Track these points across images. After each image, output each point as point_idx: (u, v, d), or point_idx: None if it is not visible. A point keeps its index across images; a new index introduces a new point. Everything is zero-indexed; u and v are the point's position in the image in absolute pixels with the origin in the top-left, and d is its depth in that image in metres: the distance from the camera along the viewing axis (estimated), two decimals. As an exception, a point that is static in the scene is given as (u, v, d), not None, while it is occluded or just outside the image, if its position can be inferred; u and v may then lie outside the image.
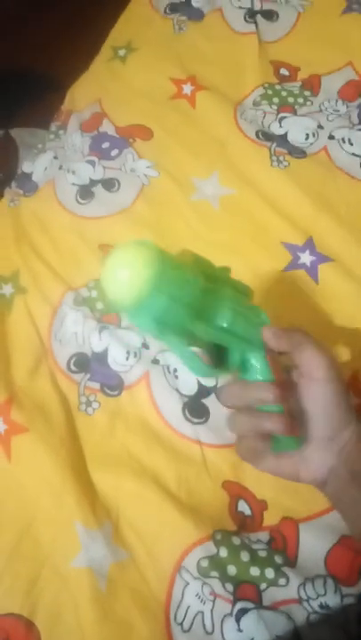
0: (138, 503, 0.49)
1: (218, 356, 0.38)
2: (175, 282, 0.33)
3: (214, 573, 0.45)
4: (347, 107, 0.70)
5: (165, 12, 0.81)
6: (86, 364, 0.57)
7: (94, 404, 0.55)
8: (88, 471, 0.52)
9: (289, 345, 0.38)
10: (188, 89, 0.73)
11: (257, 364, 0.38)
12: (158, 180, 0.67)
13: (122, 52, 0.80)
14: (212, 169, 0.67)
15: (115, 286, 0.32)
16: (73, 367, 0.57)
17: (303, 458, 0.39)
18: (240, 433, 0.39)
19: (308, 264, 0.59)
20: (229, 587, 0.45)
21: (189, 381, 0.54)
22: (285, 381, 0.39)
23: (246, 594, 0.45)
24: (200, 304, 0.34)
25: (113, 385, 0.56)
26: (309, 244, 0.60)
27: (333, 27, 0.75)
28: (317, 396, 0.38)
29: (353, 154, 0.65)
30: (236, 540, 0.47)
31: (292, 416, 0.38)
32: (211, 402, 0.53)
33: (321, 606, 0.44)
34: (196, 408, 0.53)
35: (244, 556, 0.46)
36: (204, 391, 0.54)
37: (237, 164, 0.67)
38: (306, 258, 0.59)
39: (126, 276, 0.31)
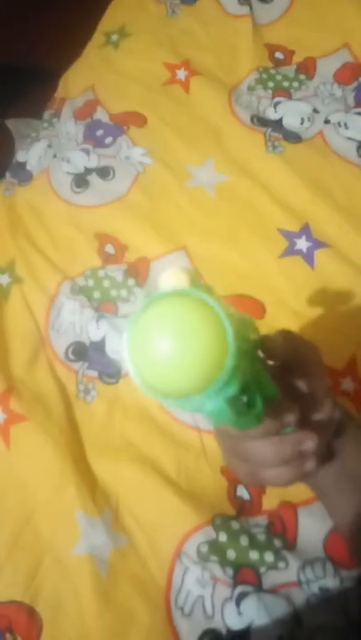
0: (137, 490, 0.50)
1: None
2: (246, 342, 0.24)
3: (214, 558, 0.46)
4: (342, 90, 0.69)
5: (158, -5, 0.80)
6: (84, 352, 0.57)
7: (93, 393, 0.55)
8: (87, 459, 0.52)
9: (289, 353, 0.35)
10: (181, 74, 0.72)
11: (265, 383, 0.31)
12: (153, 168, 0.67)
13: (115, 38, 0.79)
14: (206, 155, 0.66)
15: (170, 369, 0.21)
16: (71, 356, 0.57)
17: None
18: (275, 463, 0.33)
19: (305, 250, 0.59)
20: (229, 571, 0.45)
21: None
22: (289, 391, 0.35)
23: (246, 578, 0.45)
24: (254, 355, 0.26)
25: (111, 373, 0.56)
26: (305, 230, 0.60)
27: (328, 7, 0.74)
28: (317, 394, 0.36)
29: (349, 138, 0.65)
30: (235, 525, 0.47)
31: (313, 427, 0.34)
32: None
33: (321, 589, 0.44)
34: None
35: (244, 541, 0.46)
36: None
37: (232, 150, 0.66)
38: (302, 244, 0.59)
39: (196, 355, 0.21)
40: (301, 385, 0.36)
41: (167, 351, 0.21)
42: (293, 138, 0.66)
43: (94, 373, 0.56)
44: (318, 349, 0.36)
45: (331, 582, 0.45)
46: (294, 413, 0.32)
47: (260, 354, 0.33)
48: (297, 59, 0.73)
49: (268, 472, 0.33)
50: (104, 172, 0.67)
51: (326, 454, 0.37)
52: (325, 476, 0.38)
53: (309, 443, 0.33)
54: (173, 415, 0.53)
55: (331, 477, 0.38)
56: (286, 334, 0.35)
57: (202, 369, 0.21)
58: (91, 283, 0.61)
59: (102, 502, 0.49)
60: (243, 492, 0.49)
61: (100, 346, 0.57)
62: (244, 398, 0.26)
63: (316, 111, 0.67)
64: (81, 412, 0.55)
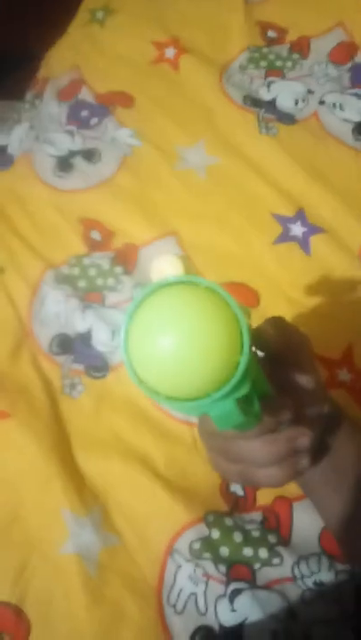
0: (127, 487, 0.48)
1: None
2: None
3: (207, 555, 0.45)
4: (338, 70, 0.67)
5: (145, -31, 0.77)
6: (69, 345, 0.55)
7: (79, 387, 0.53)
8: (74, 456, 0.50)
9: (281, 344, 0.33)
10: (170, 52, 0.70)
11: (259, 379, 0.28)
12: (141, 150, 0.64)
13: (100, 15, 0.75)
14: (197, 137, 0.64)
15: (179, 369, 0.19)
16: (55, 349, 0.55)
17: None
18: (269, 462, 0.32)
19: (300, 236, 0.57)
20: (222, 568, 0.44)
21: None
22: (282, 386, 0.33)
23: (240, 574, 0.44)
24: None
25: (98, 366, 0.54)
26: (300, 215, 0.58)
27: (322, -16, 0.71)
28: (308, 387, 0.35)
29: (344, 119, 0.63)
30: (228, 521, 0.46)
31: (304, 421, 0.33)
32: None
33: (315, 583, 0.44)
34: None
35: (237, 537, 0.45)
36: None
37: (224, 131, 0.64)
38: (297, 229, 0.57)
39: (209, 351, 0.19)
40: (293, 378, 0.34)
41: (175, 348, 0.18)
42: (287, 119, 0.64)
43: (80, 367, 0.54)
44: (309, 339, 0.34)
45: (326, 576, 0.44)
46: (290, 410, 0.30)
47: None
48: (291, 37, 0.70)
49: (261, 472, 0.32)
50: (89, 155, 0.65)
51: (318, 450, 0.36)
52: (313, 473, 0.37)
53: (304, 439, 0.31)
54: (164, 409, 0.51)
55: (318, 473, 0.37)
56: (276, 323, 0.33)
57: (215, 368, 0.19)
58: (76, 271, 0.58)
59: (90, 501, 0.48)
60: (236, 488, 0.48)
61: (85, 337, 0.55)
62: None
63: (310, 91, 0.65)
64: (67, 407, 0.52)
